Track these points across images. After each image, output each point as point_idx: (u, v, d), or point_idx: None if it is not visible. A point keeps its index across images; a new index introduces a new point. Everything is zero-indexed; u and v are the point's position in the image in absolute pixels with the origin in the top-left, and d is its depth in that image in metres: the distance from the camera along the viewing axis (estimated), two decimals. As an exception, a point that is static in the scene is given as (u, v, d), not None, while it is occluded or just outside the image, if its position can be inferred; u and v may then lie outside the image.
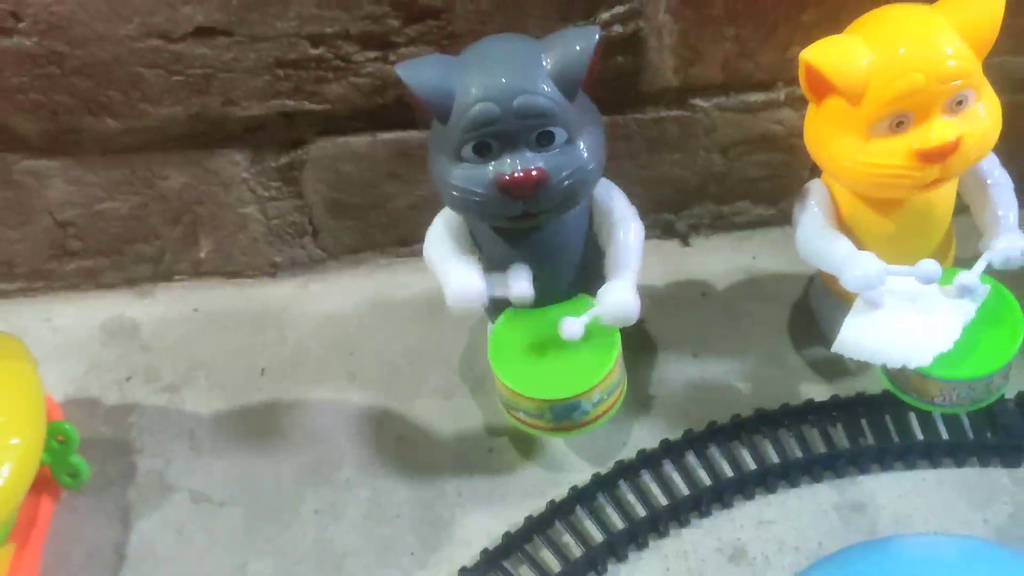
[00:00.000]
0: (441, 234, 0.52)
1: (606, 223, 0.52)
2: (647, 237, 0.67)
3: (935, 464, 0.54)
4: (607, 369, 0.50)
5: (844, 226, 0.53)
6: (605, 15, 0.54)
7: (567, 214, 0.50)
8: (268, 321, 0.64)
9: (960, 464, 0.54)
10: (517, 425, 0.52)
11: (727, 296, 0.65)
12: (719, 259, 0.67)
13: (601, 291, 0.50)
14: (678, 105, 0.60)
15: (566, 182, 0.46)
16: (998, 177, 0.52)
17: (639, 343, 0.61)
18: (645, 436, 0.57)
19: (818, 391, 0.58)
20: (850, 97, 0.46)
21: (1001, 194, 0.52)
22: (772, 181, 0.64)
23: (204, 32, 0.53)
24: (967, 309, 0.50)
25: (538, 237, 0.50)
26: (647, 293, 0.64)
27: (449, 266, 0.50)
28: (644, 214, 0.66)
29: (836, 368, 0.59)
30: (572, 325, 0.50)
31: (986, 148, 0.48)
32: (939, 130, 0.46)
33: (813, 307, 0.62)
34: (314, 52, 0.54)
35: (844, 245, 0.51)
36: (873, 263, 0.49)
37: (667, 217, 0.67)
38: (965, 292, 0.50)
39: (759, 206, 0.67)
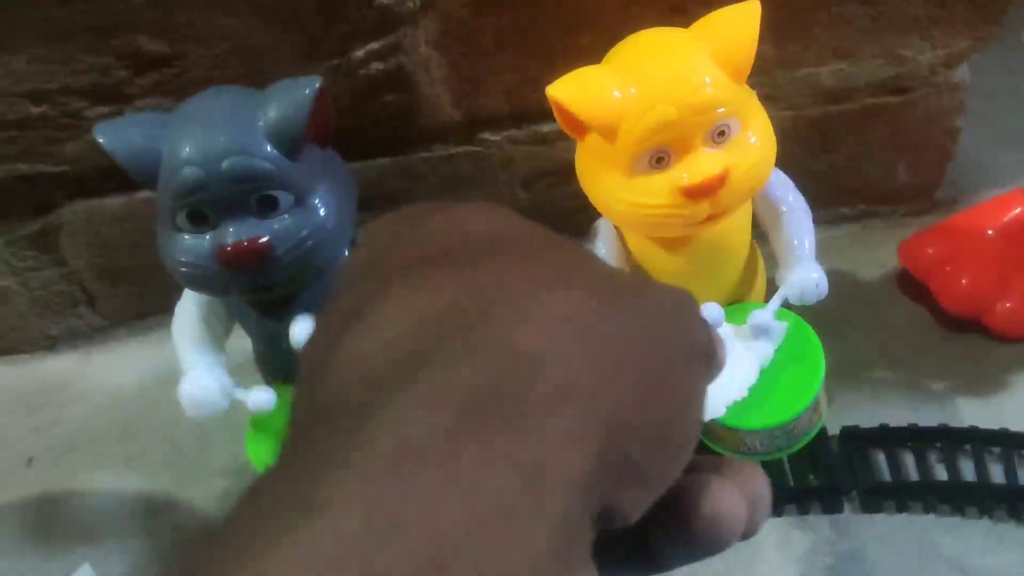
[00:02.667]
0: (188, 310, 0.46)
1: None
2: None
3: (751, 516, 0.50)
4: None
5: (636, 266, 0.49)
6: (360, 52, 0.49)
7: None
8: (44, 400, 0.58)
9: (779, 513, 0.50)
10: None
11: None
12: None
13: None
14: (467, 140, 0.55)
15: (297, 250, 0.41)
16: (792, 203, 0.48)
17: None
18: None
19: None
20: (604, 134, 0.42)
21: (794, 221, 0.48)
22: (587, 212, 0.60)
23: (-93, 97, 0.47)
24: (764, 350, 0.47)
25: (295, 307, 0.45)
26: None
27: (187, 362, 0.45)
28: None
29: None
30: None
31: (759, 178, 0.44)
32: (701, 164, 0.42)
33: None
34: (36, 110, 0.49)
35: None
36: None
37: (480, 257, 0.62)
38: (760, 333, 0.46)
39: (578, 239, 0.62)
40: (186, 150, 0.39)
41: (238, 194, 0.40)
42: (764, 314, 0.46)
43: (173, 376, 0.59)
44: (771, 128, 0.44)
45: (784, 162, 0.52)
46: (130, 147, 0.40)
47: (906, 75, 0.56)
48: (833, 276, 0.63)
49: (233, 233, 0.40)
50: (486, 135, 0.55)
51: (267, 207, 0.40)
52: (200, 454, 0.55)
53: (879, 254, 0.63)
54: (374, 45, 0.49)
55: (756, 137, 0.43)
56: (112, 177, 0.53)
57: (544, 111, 0.55)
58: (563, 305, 0.16)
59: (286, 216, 0.41)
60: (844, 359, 0.53)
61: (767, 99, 0.56)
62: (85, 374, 0.60)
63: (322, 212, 0.42)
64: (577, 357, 0.16)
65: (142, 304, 0.60)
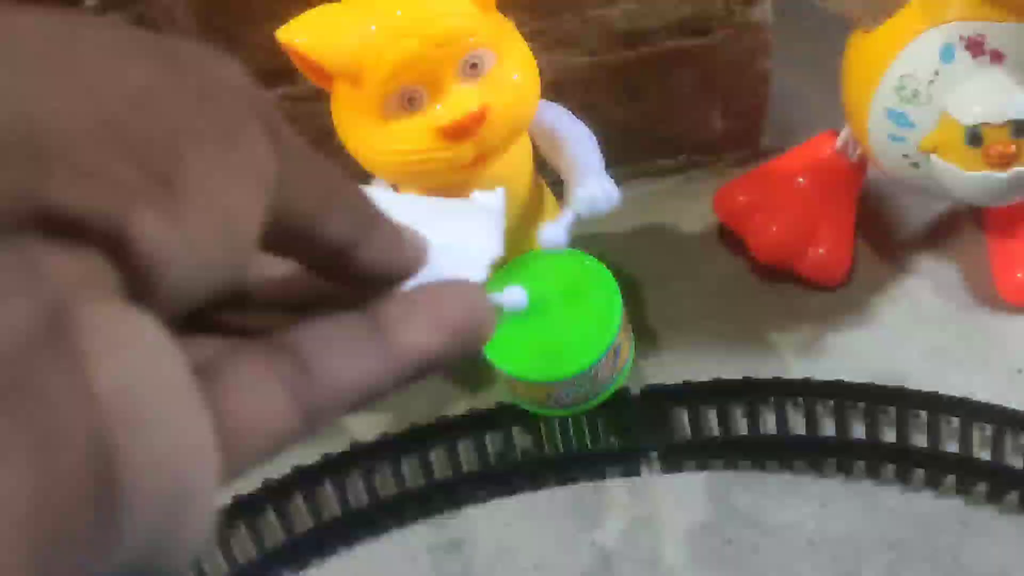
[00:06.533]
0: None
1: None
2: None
3: (541, 484, 0.47)
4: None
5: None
6: (91, 1, 0.44)
7: None
8: None
9: (574, 480, 0.48)
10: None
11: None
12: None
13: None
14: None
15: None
16: (569, 127, 0.45)
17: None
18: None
19: (431, 411, 0.50)
20: (346, 78, 0.38)
21: (577, 143, 0.45)
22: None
23: None
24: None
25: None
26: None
27: None
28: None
29: (455, 383, 0.51)
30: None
31: (523, 114, 0.41)
32: (456, 102, 0.38)
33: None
34: None
35: None
36: None
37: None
38: (549, 245, 0.42)
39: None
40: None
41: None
42: (556, 231, 0.42)
43: None
44: (532, 60, 0.41)
45: (589, 112, 0.49)
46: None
47: (702, 14, 0.53)
48: (654, 230, 0.61)
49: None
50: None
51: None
52: None
53: (702, 206, 0.61)
54: (105, -8, 0.44)
55: (514, 70, 0.40)
56: None
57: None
58: None
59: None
60: (657, 315, 0.51)
61: (560, 44, 0.53)
62: None
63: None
64: None
65: None
